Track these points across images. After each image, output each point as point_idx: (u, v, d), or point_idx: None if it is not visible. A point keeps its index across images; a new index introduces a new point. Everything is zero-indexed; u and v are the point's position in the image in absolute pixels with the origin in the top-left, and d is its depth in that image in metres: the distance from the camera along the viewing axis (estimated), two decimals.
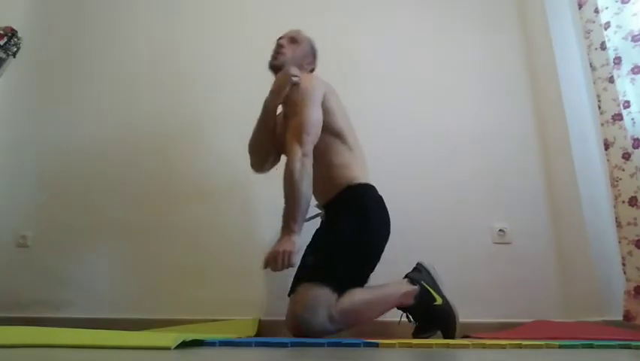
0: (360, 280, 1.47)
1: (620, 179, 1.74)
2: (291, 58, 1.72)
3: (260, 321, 1.81)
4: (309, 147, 1.50)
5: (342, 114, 1.67)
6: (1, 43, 1.73)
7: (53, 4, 2.42)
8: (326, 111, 1.60)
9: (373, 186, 1.62)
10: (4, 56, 1.75)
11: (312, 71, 1.82)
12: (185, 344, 0.96)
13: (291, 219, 1.43)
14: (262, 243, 1.70)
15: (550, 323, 1.81)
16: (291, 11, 2.43)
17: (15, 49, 1.78)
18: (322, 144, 1.56)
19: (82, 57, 2.34)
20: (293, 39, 1.79)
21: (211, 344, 1.01)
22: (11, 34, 1.75)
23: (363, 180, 1.60)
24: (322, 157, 1.56)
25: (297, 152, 1.48)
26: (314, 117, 1.54)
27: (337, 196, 1.58)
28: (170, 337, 0.90)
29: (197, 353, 0.86)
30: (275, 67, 1.73)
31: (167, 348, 0.81)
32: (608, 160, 1.81)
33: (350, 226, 1.48)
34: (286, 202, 1.46)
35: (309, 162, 1.49)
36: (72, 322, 1.78)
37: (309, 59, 1.82)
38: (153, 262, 2.01)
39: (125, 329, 1.64)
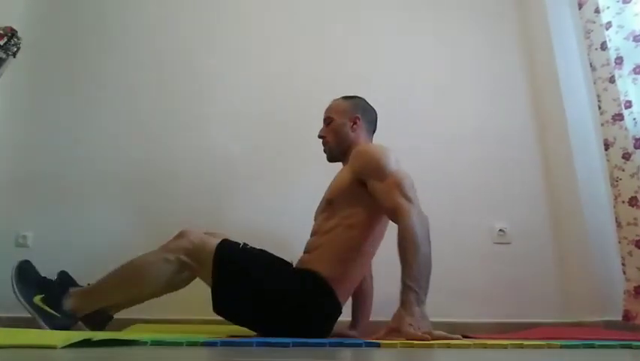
0: None
1: (620, 179, 1.75)
2: (334, 144, 1.59)
3: None
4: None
5: None
6: (1, 44, 1.73)
7: (53, 4, 2.42)
8: None
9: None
10: (4, 56, 1.75)
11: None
12: (189, 344, 0.96)
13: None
14: (261, 243, 1.70)
15: (551, 328, 1.81)
16: (287, 12, 2.43)
17: (15, 49, 1.78)
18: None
19: (82, 57, 2.34)
20: (327, 120, 1.63)
21: (212, 344, 1.01)
22: (11, 34, 1.75)
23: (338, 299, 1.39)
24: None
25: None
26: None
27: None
28: (61, 336, 0.84)
29: (200, 351, 0.86)
30: (332, 160, 1.63)
31: (53, 347, 0.75)
32: (608, 160, 1.82)
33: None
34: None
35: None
36: None
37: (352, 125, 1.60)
38: None
39: (123, 328, 1.65)
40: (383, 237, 1.52)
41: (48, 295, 1.36)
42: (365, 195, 1.41)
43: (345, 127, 1.59)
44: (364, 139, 1.60)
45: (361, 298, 1.67)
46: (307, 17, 2.43)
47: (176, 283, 1.42)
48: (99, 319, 1.42)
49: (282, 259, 1.47)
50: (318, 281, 1.36)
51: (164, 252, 1.38)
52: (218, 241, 1.39)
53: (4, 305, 1.93)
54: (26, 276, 1.40)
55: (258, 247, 1.48)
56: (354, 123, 1.59)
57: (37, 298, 1.35)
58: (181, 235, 1.40)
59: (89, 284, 1.45)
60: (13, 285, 1.35)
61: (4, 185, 2.12)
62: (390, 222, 1.39)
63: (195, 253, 1.36)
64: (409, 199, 1.34)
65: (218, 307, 1.37)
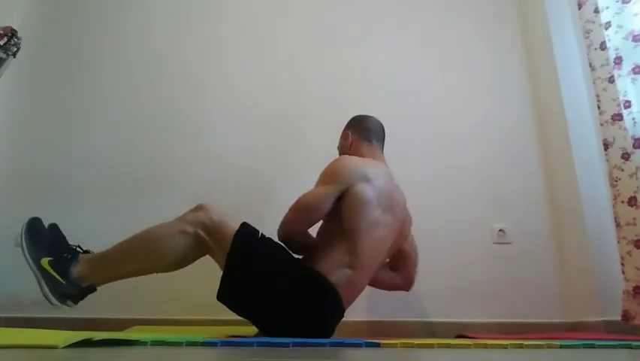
0: None
1: (620, 179, 1.75)
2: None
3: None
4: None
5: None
6: (1, 44, 1.73)
7: (53, 5, 2.42)
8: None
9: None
10: (4, 56, 1.75)
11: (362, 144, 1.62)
12: (188, 343, 0.96)
13: None
14: None
15: (551, 334, 1.81)
16: (288, 15, 2.43)
17: (15, 49, 1.78)
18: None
19: (81, 57, 2.34)
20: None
21: (212, 344, 1.01)
22: (11, 34, 1.75)
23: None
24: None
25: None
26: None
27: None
28: (62, 336, 0.84)
29: (200, 351, 0.86)
30: None
31: (55, 347, 0.75)
32: (607, 160, 1.82)
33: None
34: None
35: None
36: (72, 322, 1.78)
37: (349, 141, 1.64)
38: None
39: (124, 328, 1.65)
40: (385, 246, 1.47)
41: (57, 258, 1.32)
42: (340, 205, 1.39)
43: (344, 148, 1.66)
44: (365, 149, 1.61)
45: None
46: (308, 20, 2.43)
47: (187, 258, 1.36)
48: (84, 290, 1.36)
49: (295, 258, 1.40)
50: (328, 287, 1.30)
51: (183, 223, 1.31)
52: (238, 224, 1.32)
53: (4, 305, 1.94)
54: (37, 235, 1.34)
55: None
56: (346, 140, 1.66)
57: (44, 261, 1.30)
58: (200, 208, 1.34)
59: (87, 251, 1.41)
60: (22, 244, 1.30)
61: (5, 184, 2.12)
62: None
63: (214, 231, 1.30)
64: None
65: (224, 293, 1.28)
